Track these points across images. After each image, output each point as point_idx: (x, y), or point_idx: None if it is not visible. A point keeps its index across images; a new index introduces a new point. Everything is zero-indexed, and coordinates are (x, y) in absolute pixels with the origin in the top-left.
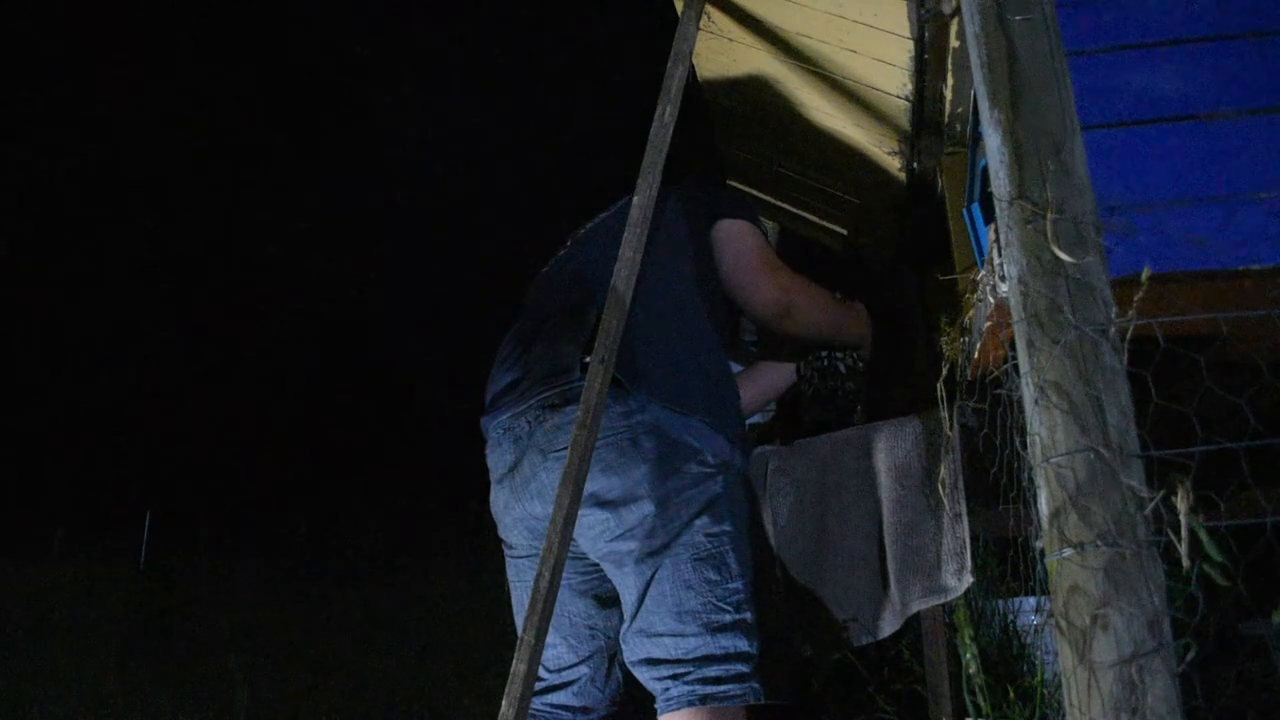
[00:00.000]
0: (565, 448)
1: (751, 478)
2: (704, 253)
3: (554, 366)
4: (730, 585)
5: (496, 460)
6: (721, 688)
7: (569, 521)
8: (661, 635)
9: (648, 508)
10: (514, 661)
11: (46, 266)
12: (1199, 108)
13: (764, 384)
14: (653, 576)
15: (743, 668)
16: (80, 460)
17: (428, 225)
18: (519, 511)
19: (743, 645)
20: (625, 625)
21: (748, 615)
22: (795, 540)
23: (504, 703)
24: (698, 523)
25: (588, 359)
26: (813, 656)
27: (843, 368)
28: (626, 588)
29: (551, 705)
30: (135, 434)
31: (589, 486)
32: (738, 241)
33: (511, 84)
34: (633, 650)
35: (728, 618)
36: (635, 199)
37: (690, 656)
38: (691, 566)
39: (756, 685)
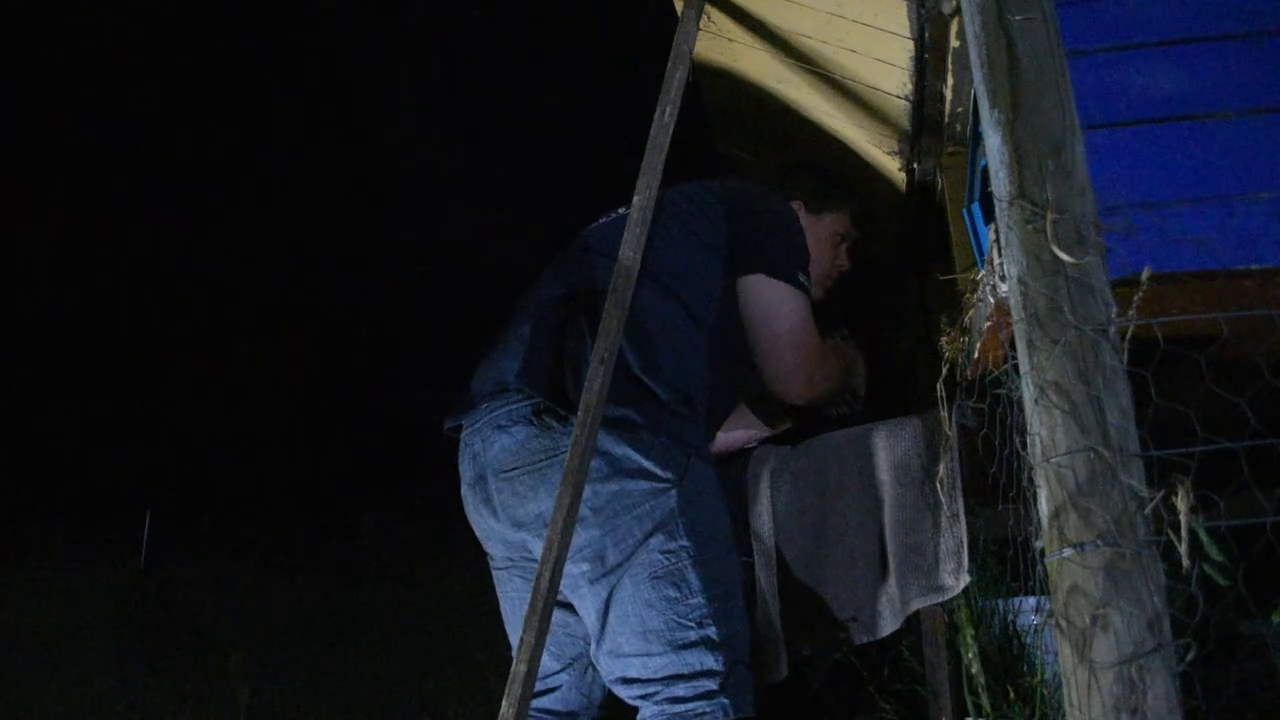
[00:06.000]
0: (515, 467)
1: (752, 477)
2: (717, 286)
3: (496, 385)
4: (691, 601)
5: (463, 470)
6: (689, 705)
7: (569, 522)
8: (629, 656)
9: (593, 530)
10: (514, 662)
11: (46, 267)
12: (1199, 108)
13: (735, 438)
14: (610, 597)
15: (710, 684)
16: (80, 460)
17: (431, 225)
18: (485, 527)
19: (709, 661)
20: (594, 647)
21: (712, 631)
22: (795, 539)
23: (504, 703)
24: (652, 541)
25: (521, 389)
26: (812, 656)
27: (834, 413)
28: (584, 610)
29: (537, 709)
30: (135, 434)
31: (534, 507)
32: (771, 320)
33: (512, 84)
34: (606, 671)
35: (692, 635)
36: (635, 199)
37: (658, 676)
38: (650, 585)
39: (725, 700)
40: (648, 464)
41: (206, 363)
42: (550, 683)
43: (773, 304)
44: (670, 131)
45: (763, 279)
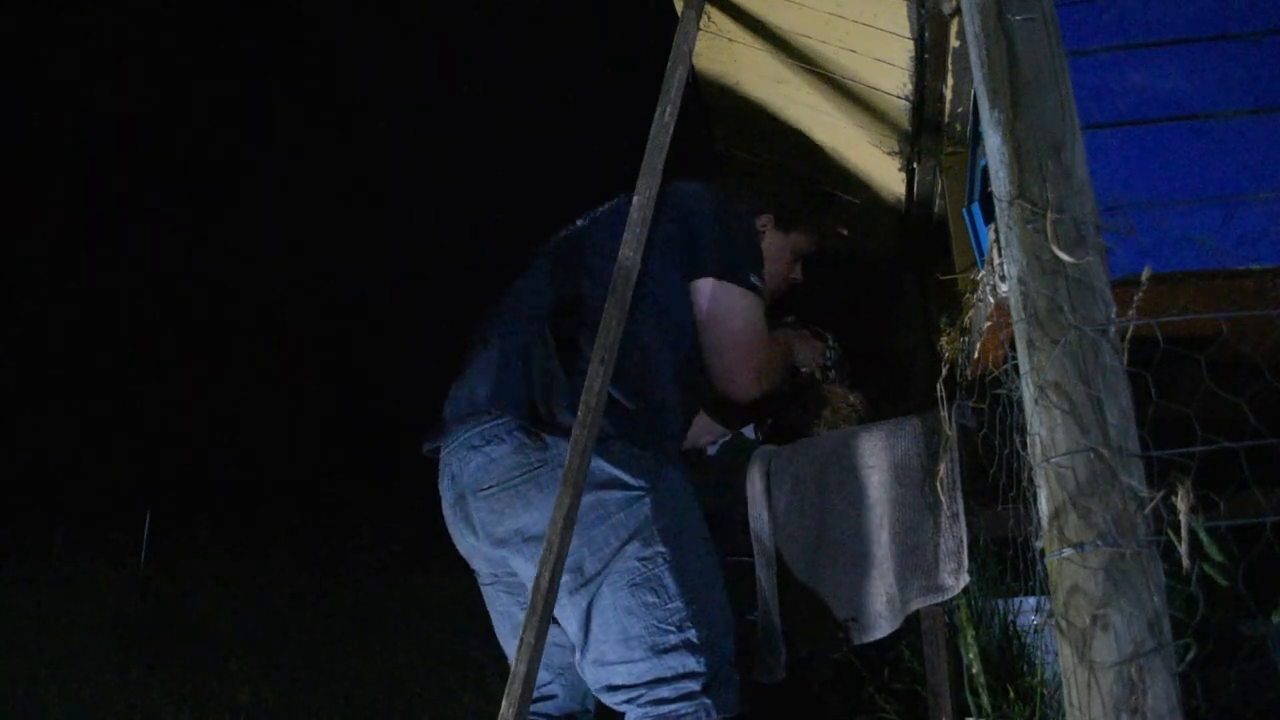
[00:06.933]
0: (492, 485)
1: (751, 478)
2: (676, 290)
3: (469, 407)
4: (670, 606)
5: (443, 491)
6: (672, 707)
7: (569, 522)
8: (614, 663)
9: (571, 541)
10: (514, 662)
11: (46, 267)
12: (1199, 108)
13: (695, 437)
14: (590, 606)
15: (693, 686)
16: (80, 460)
17: (431, 225)
18: (467, 546)
19: (691, 664)
20: (578, 657)
21: (692, 634)
22: (795, 539)
23: (504, 703)
24: (628, 549)
25: (492, 410)
26: (812, 656)
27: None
28: (566, 621)
29: (534, 714)
30: (135, 434)
31: (512, 524)
32: (724, 321)
33: (512, 84)
34: (593, 680)
35: (672, 638)
36: (635, 199)
37: (642, 680)
38: (629, 592)
39: (708, 701)
40: (620, 473)
41: (206, 363)
42: (544, 690)
43: (723, 306)
44: (670, 131)
45: (714, 282)
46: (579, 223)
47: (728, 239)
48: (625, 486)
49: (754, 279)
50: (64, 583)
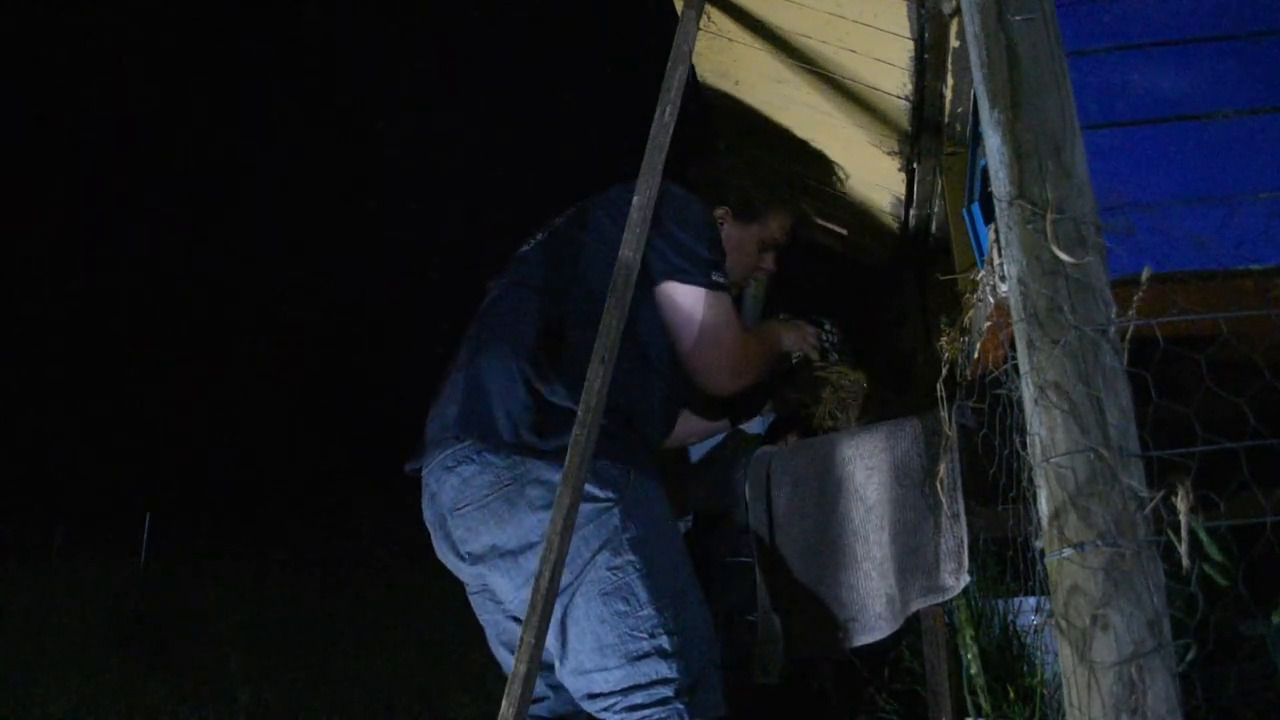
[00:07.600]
0: (466, 504)
1: (752, 479)
2: (641, 298)
3: (441, 430)
4: (642, 614)
5: (425, 511)
6: (646, 713)
7: (569, 522)
8: (591, 672)
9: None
10: (514, 662)
11: (46, 267)
12: (1199, 108)
13: (682, 432)
14: (565, 617)
15: (666, 691)
16: (80, 460)
17: (431, 225)
18: (452, 564)
19: (664, 670)
20: (558, 667)
21: (664, 641)
22: (795, 540)
23: (504, 703)
24: (599, 559)
25: (460, 434)
26: (812, 656)
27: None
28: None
29: (531, 716)
30: (136, 434)
31: (488, 540)
32: (689, 324)
33: (512, 84)
34: (574, 689)
35: (645, 645)
36: (635, 199)
37: (618, 688)
38: (601, 601)
39: (680, 706)
40: (588, 486)
41: (206, 362)
42: (537, 693)
43: (686, 308)
44: (670, 131)
45: (674, 285)
46: (539, 236)
47: (678, 240)
48: (594, 499)
49: (715, 275)
50: (64, 583)
